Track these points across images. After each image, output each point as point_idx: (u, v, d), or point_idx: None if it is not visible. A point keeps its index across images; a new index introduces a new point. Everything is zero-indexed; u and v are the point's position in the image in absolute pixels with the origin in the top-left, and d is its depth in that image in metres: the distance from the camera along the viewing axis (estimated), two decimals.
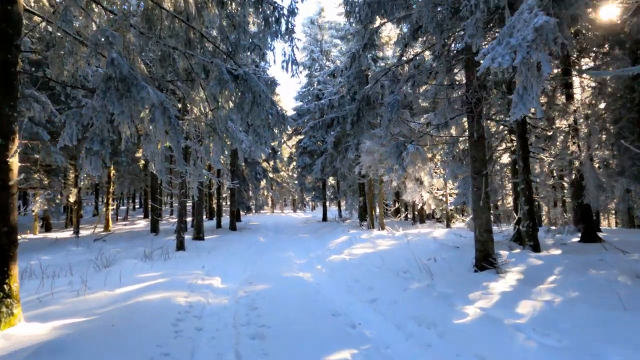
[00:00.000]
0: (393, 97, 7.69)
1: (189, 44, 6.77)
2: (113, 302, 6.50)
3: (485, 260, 7.68)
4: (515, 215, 15.04)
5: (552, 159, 12.15)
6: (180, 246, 13.57)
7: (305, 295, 7.34)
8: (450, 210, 22.62)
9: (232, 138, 6.68)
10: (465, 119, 13.58)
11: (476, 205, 7.95)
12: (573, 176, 12.23)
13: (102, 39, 4.87)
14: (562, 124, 13.00)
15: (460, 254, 9.74)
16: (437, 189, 20.49)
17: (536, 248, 10.29)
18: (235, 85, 5.84)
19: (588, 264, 7.61)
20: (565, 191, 23.09)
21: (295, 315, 5.98)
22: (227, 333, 5.38)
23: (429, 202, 19.95)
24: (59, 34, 6.54)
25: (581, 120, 12.04)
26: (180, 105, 6.76)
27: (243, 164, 24.75)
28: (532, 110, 4.36)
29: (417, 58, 9.11)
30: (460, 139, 12.29)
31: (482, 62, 4.17)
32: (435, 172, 20.75)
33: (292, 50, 6.82)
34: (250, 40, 7.20)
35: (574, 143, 11.50)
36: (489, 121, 12.43)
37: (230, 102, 6.23)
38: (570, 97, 12.77)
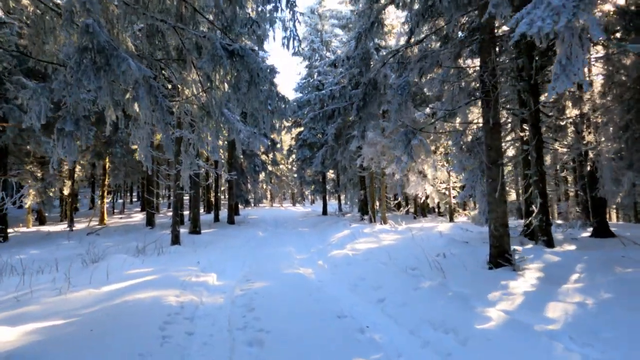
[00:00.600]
0: (403, 80, 7.09)
1: (181, 20, 6.17)
2: (97, 301, 5.94)
3: (501, 257, 7.12)
4: (523, 209, 14.51)
5: (565, 149, 11.57)
6: (176, 240, 13.01)
7: (307, 294, 6.79)
8: (454, 204, 22.05)
9: (228, 122, 6.09)
10: (474, 107, 13.00)
11: (491, 198, 7.38)
12: (588, 168, 11.64)
13: (78, 6, 4.26)
14: (572, 113, 12.48)
15: (471, 249, 9.19)
16: (441, 182, 19.92)
17: (550, 243, 9.75)
18: (230, 63, 5.25)
19: (611, 260, 7.07)
20: (569, 185, 22.56)
21: (296, 317, 5.43)
22: (221, 338, 4.81)
23: (433, 195, 19.42)
24: (38, 10, 5.95)
25: (591, 111, 11.50)
26: (170, 86, 6.16)
27: (241, 155, 24.15)
28: (555, 93, 3.79)
29: (426, 41, 8.51)
30: (469, 128, 11.70)
31: (518, 27, 3.57)
32: (440, 165, 20.22)
33: (294, 25, 6.21)
34: (248, 16, 6.60)
35: (589, 133, 10.95)
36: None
37: (225, 82, 5.63)
38: (581, 85, 12.16)
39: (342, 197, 35.84)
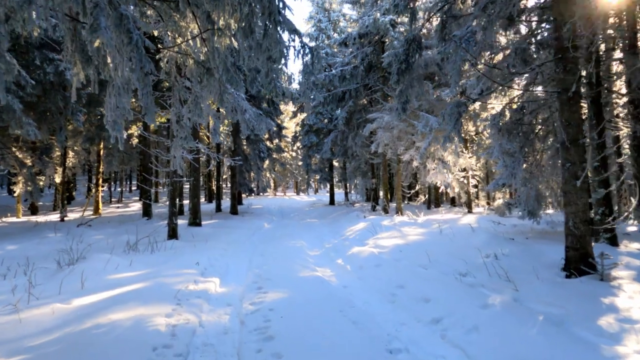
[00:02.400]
0: (467, 30, 5.47)
1: None
2: (60, 324, 4.41)
3: (583, 262, 5.57)
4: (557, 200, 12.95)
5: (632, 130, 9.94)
6: (173, 234, 11.47)
7: (337, 309, 5.26)
8: (472, 193, 20.44)
9: (235, 83, 4.48)
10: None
11: (569, 186, 5.80)
12: None
13: None
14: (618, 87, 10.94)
15: (522, 248, 7.64)
16: (463, 169, 18.26)
17: (614, 241, 8.24)
18: None
19: None
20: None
21: (334, 354, 3.89)
22: None
23: (453, 184, 17.84)
24: None
25: None
26: (156, 33, 4.56)
27: (245, 141, 22.54)
28: None
29: None
30: (510, 106, 10.05)
31: None
32: (459, 151, 18.63)
33: None
34: None
35: None
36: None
37: (232, 24, 4.02)
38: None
39: (348, 186, 34.34)
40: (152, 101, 3.46)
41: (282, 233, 14.70)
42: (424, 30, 20.37)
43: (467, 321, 4.53)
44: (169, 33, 4.41)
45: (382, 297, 6.03)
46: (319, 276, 7.28)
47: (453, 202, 26.33)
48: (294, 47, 4.37)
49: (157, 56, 4.39)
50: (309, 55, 4.47)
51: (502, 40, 9.34)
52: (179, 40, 4.43)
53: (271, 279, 6.97)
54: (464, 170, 18.79)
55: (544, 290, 5.10)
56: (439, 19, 6.52)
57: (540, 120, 11.43)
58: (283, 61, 4.48)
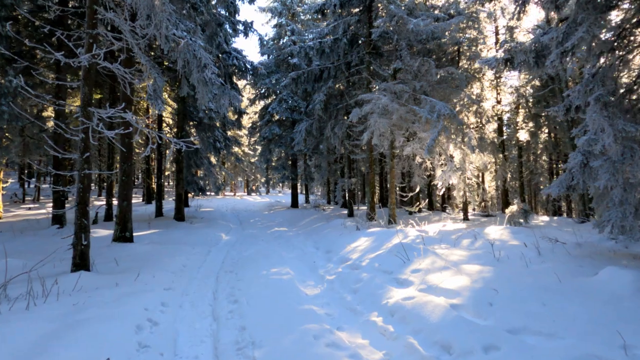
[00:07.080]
0: None
1: None
2: None
3: None
4: None
5: None
6: (81, 262, 6.93)
7: None
8: (468, 197, 17.03)
9: None
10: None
11: None
12: None
13: None
14: None
15: None
16: (475, 168, 14.75)
17: None
18: None
19: None
20: None
21: None
22: None
23: (460, 185, 14.29)
24: None
25: None
26: None
27: (194, 128, 17.89)
28: None
29: None
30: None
31: None
32: (461, 144, 15.19)
33: None
34: None
35: None
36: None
37: None
38: None
39: (312, 186, 30.30)
40: None
41: (250, 252, 10.39)
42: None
43: None
44: None
45: None
46: None
47: (431, 206, 23.10)
48: None
49: None
50: None
51: None
52: None
53: None
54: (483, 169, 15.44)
55: None
56: None
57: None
58: None
